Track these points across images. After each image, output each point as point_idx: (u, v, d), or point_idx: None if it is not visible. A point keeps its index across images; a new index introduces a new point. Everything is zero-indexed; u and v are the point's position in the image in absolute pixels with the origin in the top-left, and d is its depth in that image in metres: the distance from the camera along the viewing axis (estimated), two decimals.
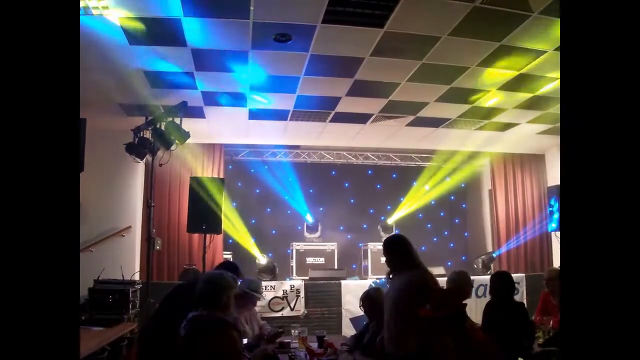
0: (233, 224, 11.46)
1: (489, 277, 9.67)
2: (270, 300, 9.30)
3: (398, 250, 4.48)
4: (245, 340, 4.98)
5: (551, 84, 7.73)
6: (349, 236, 12.74)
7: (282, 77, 7.44)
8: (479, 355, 3.33)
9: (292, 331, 5.50)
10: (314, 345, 5.09)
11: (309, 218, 12.16)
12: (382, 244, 4.96)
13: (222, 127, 10.06)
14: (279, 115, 9.25)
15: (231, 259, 10.02)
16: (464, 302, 3.71)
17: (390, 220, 12.22)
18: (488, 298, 5.91)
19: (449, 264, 12.14)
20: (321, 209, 12.62)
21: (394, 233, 5.41)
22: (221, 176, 10.76)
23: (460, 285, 5.67)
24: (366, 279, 10.43)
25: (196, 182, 9.05)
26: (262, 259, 10.65)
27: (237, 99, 8.39)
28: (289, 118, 9.38)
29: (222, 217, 9.17)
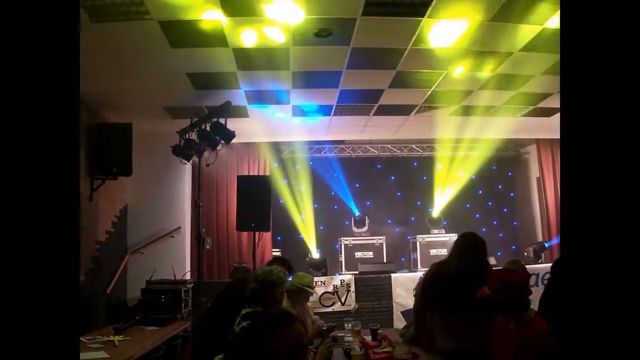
0: (281, 221, 11.55)
1: (540, 266, 9.58)
2: (321, 296, 9.32)
3: None
4: None
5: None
6: (397, 229, 12.70)
7: (324, 72, 7.43)
8: (539, 345, 3.29)
9: (346, 325, 5.51)
10: (368, 338, 5.09)
11: (356, 212, 12.15)
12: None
13: (266, 126, 10.11)
14: (322, 110, 9.26)
15: (287, 258, 10.06)
16: (527, 292, 3.66)
17: (438, 212, 12.11)
18: (540, 287, 5.81)
19: (499, 253, 11.97)
20: (368, 203, 12.59)
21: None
22: (267, 174, 10.83)
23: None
24: (416, 271, 10.36)
25: (243, 180, 9.13)
26: (315, 254, 10.72)
27: (280, 97, 8.42)
28: (332, 113, 9.38)
29: (270, 214, 9.24)
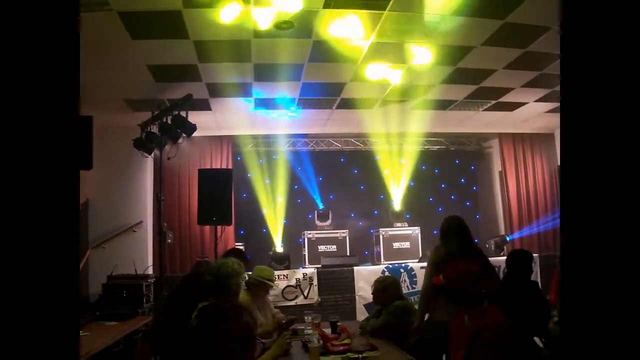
0: (245, 215, 11.50)
1: (501, 258, 9.69)
2: (283, 289, 9.31)
3: None
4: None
5: (557, 61, 7.66)
6: (360, 223, 12.74)
7: (286, 65, 7.40)
8: (495, 335, 3.33)
9: (306, 318, 5.50)
10: (328, 331, 5.09)
11: (321, 206, 12.15)
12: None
13: (228, 119, 10.05)
14: (284, 104, 9.21)
15: (243, 249, 10.03)
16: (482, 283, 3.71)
17: (400, 206, 12.16)
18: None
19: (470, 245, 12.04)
20: (331, 196, 12.60)
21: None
22: (230, 168, 10.77)
23: None
24: (379, 264, 10.41)
25: (205, 174, 9.06)
26: (279, 247, 10.71)
27: (242, 90, 8.36)
28: (295, 106, 9.35)
29: (232, 208, 9.18)
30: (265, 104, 9.18)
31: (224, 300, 3.32)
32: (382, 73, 7.81)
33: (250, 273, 5.61)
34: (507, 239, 11.44)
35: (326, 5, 5.66)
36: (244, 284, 5.46)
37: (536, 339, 5.35)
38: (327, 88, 8.48)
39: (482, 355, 3.31)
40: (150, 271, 8.69)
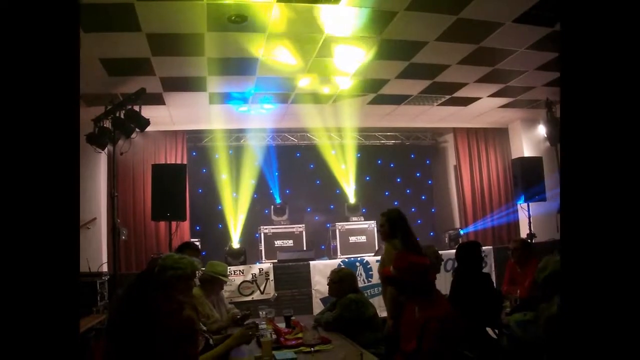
0: (200, 210, 11.41)
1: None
2: (239, 285, 9.25)
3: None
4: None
5: (510, 57, 7.78)
6: (316, 217, 12.76)
7: (241, 59, 7.34)
8: (443, 325, 3.37)
9: (260, 313, 5.49)
10: (282, 325, 5.08)
11: (278, 200, 12.12)
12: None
13: (183, 113, 9.95)
14: (240, 98, 9.16)
15: (199, 245, 9.95)
16: (432, 276, 3.75)
17: (357, 200, 12.21)
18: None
19: (417, 239, 12.15)
20: (287, 191, 12.57)
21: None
22: (185, 163, 10.66)
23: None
24: (335, 258, 10.43)
25: (158, 169, 8.95)
26: (235, 243, 10.65)
27: (196, 84, 8.28)
28: (250, 101, 9.30)
29: (187, 203, 9.10)
30: (220, 98, 9.11)
31: (168, 293, 3.28)
32: (337, 67, 7.82)
33: (204, 268, 5.57)
34: (461, 232, 11.59)
35: (280, 0, 5.65)
36: (197, 279, 5.42)
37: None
38: (282, 82, 8.45)
39: (430, 346, 3.35)
40: (104, 269, 8.58)
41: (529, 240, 9.54)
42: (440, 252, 6.51)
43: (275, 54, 7.19)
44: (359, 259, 9.82)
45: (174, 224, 8.91)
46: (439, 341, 3.32)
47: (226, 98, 9.12)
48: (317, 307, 9.17)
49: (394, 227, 5.35)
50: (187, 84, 8.25)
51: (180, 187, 8.83)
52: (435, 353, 3.33)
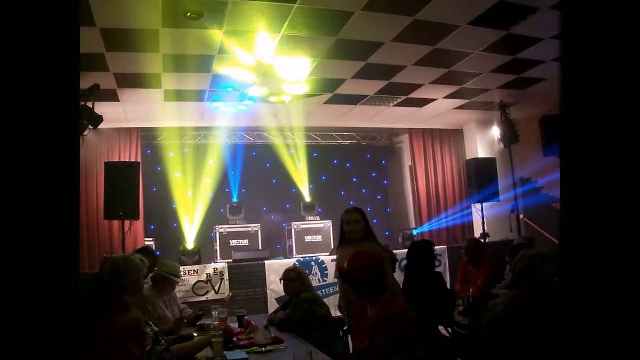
0: (154, 209, 11.27)
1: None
2: (194, 285, 9.15)
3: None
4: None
5: (465, 59, 7.87)
6: (272, 217, 12.72)
7: (196, 56, 7.26)
8: (395, 323, 3.38)
9: (213, 313, 5.44)
10: (235, 325, 5.05)
11: (235, 199, 12.04)
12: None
13: (137, 110, 9.79)
14: (196, 96, 9.06)
15: (153, 245, 9.83)
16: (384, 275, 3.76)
17: (313, 199, 12.22)
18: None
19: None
20: (243, 190, 12.49)
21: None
22: (139, 161, 10.50)
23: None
24: (291, 258, 10.41)
25: (111, 167, 8.81)
26: (190, 242, 10.51)
27: (152, 81, 8.16)
28: (205, 99, 9.21)
29: (141, 202, 8.98)
30: (175, 95, 8.99)
31: (118, 294, 3.23)
32: (293, 66, 7.80)
33: (156, 269, 5.50)
34: (414, 232, 11.70)
35: None
36: (149, 279, 5.35)
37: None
38: (238, 81, 8.38)
39: (382, 344, 3.36)
40: None
41: (482, 240, 9.68)
42: (394, 251, 6.55)
43: (232, 52, 7.13)
44: (314, 258, 9.81)
45: (127, 223, 8.78)
46: (391, 340, 3.33)
47: (181, 96, 8.99)
48: (272, 307, 9.13)
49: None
50: (142, 81, 8.11)
51: (133, 185, 8.70)
52: (387, 351, 3.33)
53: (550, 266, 3.49)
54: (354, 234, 4.96)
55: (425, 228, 12.22)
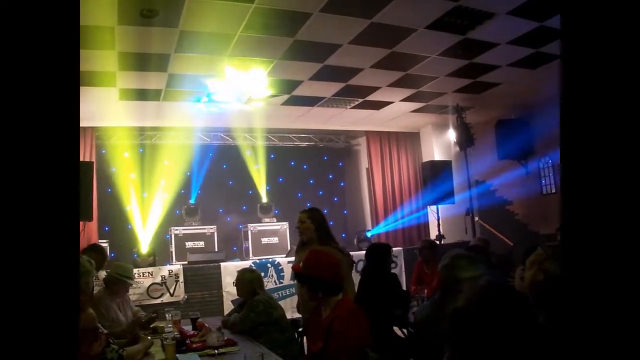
0: (108, 210, 11.08)
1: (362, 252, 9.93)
2: (148, 287, 9.02)
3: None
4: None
5: (421, 62, 7.94)
6: (228, 218, 12.63)
7: (152, 54, 7.15)
8: (348, 322, 3.40)
9: (166, 315, 5.36)
10: (189, 327, 4.99)
11: (190, 201, 11.92)
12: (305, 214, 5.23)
13: (91, 109, 9.59)
14: (151, 95, 8.93)
15: (107, 248, 9.65)
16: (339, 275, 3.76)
17: (269, 201, 12.18)
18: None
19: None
20: (200, 191, 12.38)
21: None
22: (92, 161, 10.31)
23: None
24: (247, 259, 10.35)
25: None
26: (144, 244, 10.35)
27: (106, 79, 8.01)
28: (161, 98, 9.09)
29: (95, 203, 8.82)
30: (131, 94, 8.85)
31: None
32: (250, 67, 7.76)
33: (109, 270, 5.40)
34: (367, 234, 11.75)
35: None
36: (102, 281, 5.26)
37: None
38: (195, 80, 8.30)
39: (336, 345, 3.36)
40: None
41: (437, 242, 9.77)
42: (351, 253, 6.56)
43: (188, 51, 7.05)
44: (270, 260, 9.77)
45: (80, 224, 8.61)
46: (344, 340, 3.34)
47: (137, 94, 8.85)
48: (228, 309, 9.02)
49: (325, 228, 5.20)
50: (96, 79, 7.95)
51: (87, 186, 8.54)
52: (341, 352, 3.33)
53: (464, 270, 3.56)
54: (304, 235, 5.13)
55: (382, 229, 12.28)
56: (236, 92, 8.94)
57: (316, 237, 5.08)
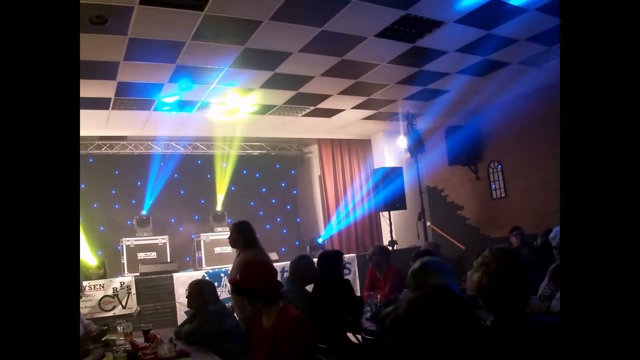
0: None
1: None
2: (100, 300, 8.84)
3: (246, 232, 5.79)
4: None
5: (372, 70, 8.00)
6: (180, 228, 12.52)
7: (100, 62, 7.02)
8: (294, 331, 3.42)
9: (118, 328, 5.27)
10: (141, 339, 4.91)
11: (141, 212, 11.76)
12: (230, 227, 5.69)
13: None
14: (100, 103, 8.75)
15: None
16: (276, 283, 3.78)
17: (222, 210, 12.11)
18: None
19: (283, 249, 12.31)
20: (151, 201, 12.23)
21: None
22: None
23: (302, 269, 5.70)
24: (200, 269, 10.26)
25: None
26: (92, 261, 10.08)
27: None
28: (111, 106, 8.93)
29: None
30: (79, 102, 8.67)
31: None
32: (200, 75, 7.71)
33: None
34: (318, 240, 11.79)
35: (142, 2, 5.47)
36: None
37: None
38: (144, 88, 8.19)
39: (282, 354, 3.37)
40: None
41: (389, 247, 9.84)
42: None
43: (137, 58, 6.96)
44: (224, 270, 9.69)
45: None
46: (291, 348, 3.35)
47: (84, 103, 8.67)
48: (181, 320, 8.91)
49: (244, 236, 5.84)
50: None
51: None
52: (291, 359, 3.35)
53: (438, 276, 3.61)
54: (233, 246, 6.05)
55: (334, 236, 12.32)
56: (186, 100, 8.87)
57: (241, 245, 5.82)
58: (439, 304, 1.84)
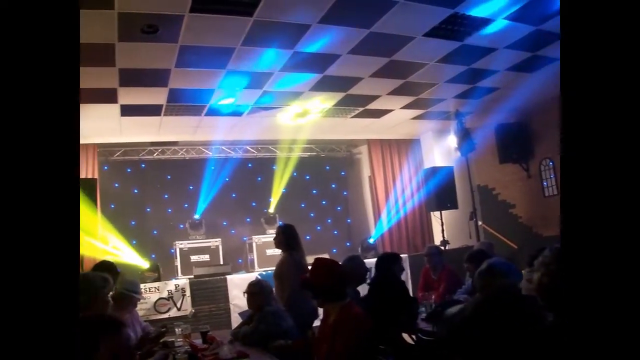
0: (112, 226, 11.09)
1: (371, 260, 9.93)
2: (155, 302, 9.03)
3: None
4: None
5: (421, 70, 7.97)
6: (232, 231, 12.65)
7: (153, 69, 7.18)
8: (353, 325, 3.47)
9: (176, 330, 5.37)
10: (199, 341, 4.99)
11: (194, 215, 11.93)
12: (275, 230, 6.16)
13: (93, 126, 9.61)
14: (152, 110, 8.95)
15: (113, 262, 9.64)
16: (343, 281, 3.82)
17: (273, 212, 12.20)
18: None
19: (334, 250, 12.33)
20: (203, 205, 12.40)
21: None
22: (95, 177, 10.33)
23: (352, 269, 5.72)
24: (253, 272, 10.35)
25: None
26: (144, 264, 10.28)
27: (107, 95, 8.04)
28: (162, 113, 9.11)
29: (98, 219, 8.83)
30: (132, 110, 8.87)
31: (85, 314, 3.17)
32: (250, 79, 7.80)
33: (116, 287, 5.40)
34: (370, 240, 11.78)
35: (192, 10, 5.57)
36: (109, 297, 5.25)
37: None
38: (195, 95, 8.33)
39: (341, 348, 3.42)
40: None
41: (442, 247, 9.77)
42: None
43: (188, 65, 7.08)
44: None
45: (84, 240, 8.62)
46: (349, 342, 3.40)
47: (138, 110, 8.88)
48: (236, 322, 9.03)
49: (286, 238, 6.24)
50: (98, 96, 7.98)
51: (90, 202, 8.56)
52: (346, 354, 3.39)
53: (505, 277, 3.57)
54: (277, 247, 6.53)
55: (386, 237, 12.27)
56: (237, 104, 8.98)
57: (283, 246, 6.33)
58: (507, 306, 1.84)
